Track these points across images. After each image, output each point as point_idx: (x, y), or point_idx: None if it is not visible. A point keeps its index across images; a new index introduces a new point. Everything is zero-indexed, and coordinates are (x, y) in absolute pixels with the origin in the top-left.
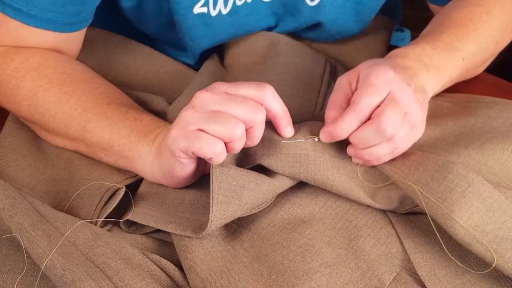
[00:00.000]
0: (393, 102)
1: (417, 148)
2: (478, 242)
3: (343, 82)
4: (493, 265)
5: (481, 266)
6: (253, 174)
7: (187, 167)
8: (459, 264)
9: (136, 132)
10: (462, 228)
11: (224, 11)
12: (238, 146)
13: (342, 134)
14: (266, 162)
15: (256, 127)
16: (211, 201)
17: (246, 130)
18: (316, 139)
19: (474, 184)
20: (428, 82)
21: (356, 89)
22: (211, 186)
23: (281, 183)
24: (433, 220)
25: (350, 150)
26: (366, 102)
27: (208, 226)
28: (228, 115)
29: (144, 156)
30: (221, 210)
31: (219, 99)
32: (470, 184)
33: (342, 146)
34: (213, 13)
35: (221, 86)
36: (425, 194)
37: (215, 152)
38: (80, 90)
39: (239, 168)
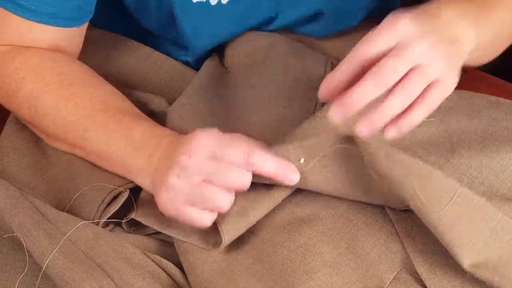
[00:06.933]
0: (398, 50)
1: (420, 146)
2: (484, 268)
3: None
4: None
5: None
6: (252, 195)
7: None
8: (459, 264)
9: (132, 147)
10: (467, 258)
11: (224, 0)
12: (227, 210)
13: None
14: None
15: (244, 189)
16: (220, 231)
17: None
18: (302, 161)
19: (480, 208)
20: (464, 31)
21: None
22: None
23: (280, 194)
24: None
25: (361, 126)
26: (362, 52)
27: (222, 246)
28: (213, 189)
29: (143, 171)
30: (232, 235)
31: (204, 169)
32: (475, 208)
33: (339, 163)
34: (213, 2)
35: (206, 149)
36: (434, 220)
37: (205, 224)
38: (77, 94)
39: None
